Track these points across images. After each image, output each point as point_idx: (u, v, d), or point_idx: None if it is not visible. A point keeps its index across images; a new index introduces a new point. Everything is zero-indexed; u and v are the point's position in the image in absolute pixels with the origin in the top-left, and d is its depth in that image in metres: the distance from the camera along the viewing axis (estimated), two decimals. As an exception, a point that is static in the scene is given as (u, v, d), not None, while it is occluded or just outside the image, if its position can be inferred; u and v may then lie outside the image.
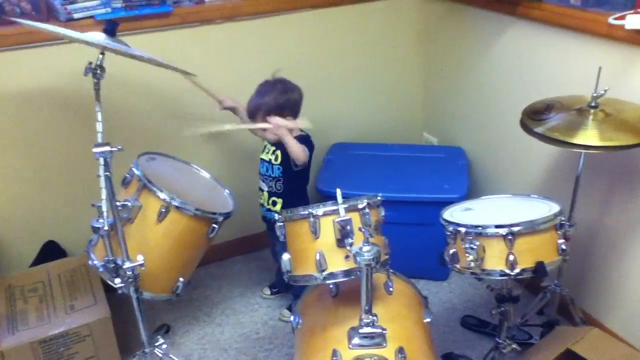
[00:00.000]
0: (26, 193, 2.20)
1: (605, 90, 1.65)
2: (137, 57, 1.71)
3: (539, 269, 1.51)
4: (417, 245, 2.22)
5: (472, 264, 1.53)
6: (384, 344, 1.41)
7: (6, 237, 2.23)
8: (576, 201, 1.86)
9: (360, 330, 1.42)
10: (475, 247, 1.52)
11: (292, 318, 1.67)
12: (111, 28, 1.63)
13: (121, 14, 2.06)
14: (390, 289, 1.55)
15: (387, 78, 2.74)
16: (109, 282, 1.73)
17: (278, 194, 2.09)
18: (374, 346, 1.40)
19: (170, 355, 1.92)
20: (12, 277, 2.14)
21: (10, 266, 2.25)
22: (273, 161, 2.07)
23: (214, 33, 2.28)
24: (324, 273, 1.49)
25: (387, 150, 2.66)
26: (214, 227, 1.86)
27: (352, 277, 1.48)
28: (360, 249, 1.36)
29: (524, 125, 1.73)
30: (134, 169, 1.77)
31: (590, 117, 1.64)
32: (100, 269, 1.73)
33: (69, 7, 1.99)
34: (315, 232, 1.49)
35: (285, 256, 1.56)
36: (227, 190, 2.07)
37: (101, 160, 1.55)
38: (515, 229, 1.50)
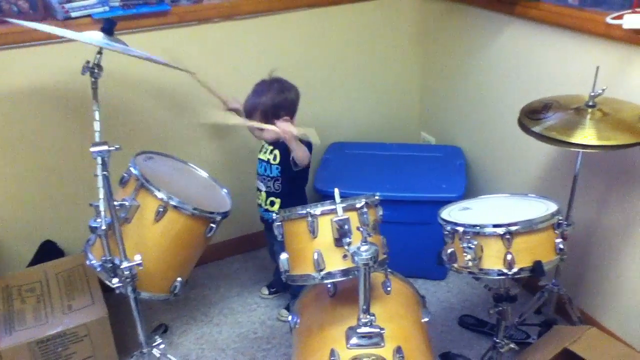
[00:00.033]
0: (24, 193, 2.19)
1: (603, 90, 1.65)
2: (137, 57, 1.71)
3: (537, 268, 1.51)
4: (415, 244, 2.23)
5: (470, 264, 1.54)
6: (382, 344, 1.40)
7: (3, 237, 2.22)
8: (574, 200, 1.86)
9: (358, 330, 1.42)
10: (473, 246, 1.52)
11: (290, 318, 1.67)
12: (109, 27, 1.63)
13: (119, 12, 2.05)
14: (388, 289, 1.56)
15: (385, 77, 2.73)
16: (107, 282, 1.72)
17: (276, 194, 2.08)
18: (372, 346, 1.40)
19: (168, 355, 1.91)
20: (10, 277, 2.14)
21: (7, 266, 2.24)
22: (271, 161, 2.06)
23: (211, 32, 2.27)
24: (322, 272, 1.49)
25: (384, 149, 2.65)
26: (212, 227, 1.85)
27: (350, 276, 1.48)
28: (358, 248, 1.36)
29: (522, 125, 1.74)
30: (131, 168, 1.77)
31: (588, 116, 1.64)
32: (98, 269, 1.73)
33: (67, 5, 1.99)
34: (313, 232, 1.49)
35: (283, 256, 1.56)
36: (224, 190, 2.07)
37: (99, 160, 1.55)
38: (513, 228, 1.51)
